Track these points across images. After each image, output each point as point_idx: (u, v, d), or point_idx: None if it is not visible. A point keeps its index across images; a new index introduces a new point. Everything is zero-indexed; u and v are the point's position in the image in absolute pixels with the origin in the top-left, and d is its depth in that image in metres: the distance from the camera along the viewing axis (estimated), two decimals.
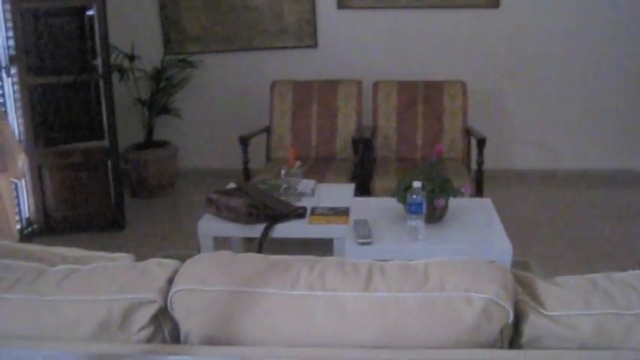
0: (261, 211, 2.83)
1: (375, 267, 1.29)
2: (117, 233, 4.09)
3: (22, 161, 3.66)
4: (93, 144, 4.13)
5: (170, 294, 1.26)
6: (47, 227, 4.05)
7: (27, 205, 4.06)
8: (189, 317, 1.25)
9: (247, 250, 2.99)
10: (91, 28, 4.03)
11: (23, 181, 3.95)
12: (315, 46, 4.88)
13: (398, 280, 1.25)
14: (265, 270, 1.28)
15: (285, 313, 1.22)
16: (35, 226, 4.04)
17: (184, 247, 3.69)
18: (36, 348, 1.15)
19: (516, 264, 2.46)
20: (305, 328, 1.21)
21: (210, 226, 2.89)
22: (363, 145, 3.97)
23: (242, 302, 1.23)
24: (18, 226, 3.89)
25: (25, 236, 3.94)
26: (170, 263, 1.34)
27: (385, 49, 4.81)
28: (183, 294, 1.25)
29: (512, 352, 1.20)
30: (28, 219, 4.07)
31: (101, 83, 4.03)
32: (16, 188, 3.95)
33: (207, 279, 1.26)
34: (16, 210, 3.91)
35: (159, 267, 1.33)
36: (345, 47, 4.85)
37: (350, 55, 4.83)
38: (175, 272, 1.31)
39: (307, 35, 4.87)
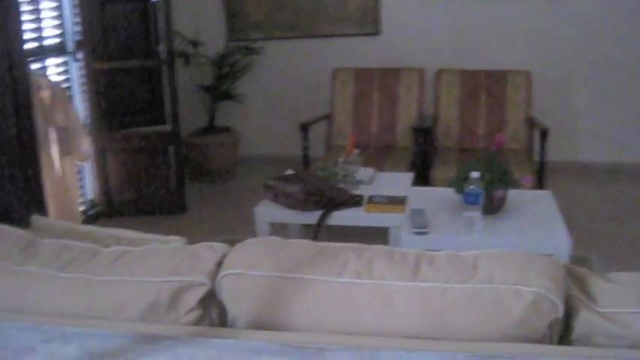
0: (318, 197, 2.83)
1: (424, 256, 1.28)
2: (177, 217, 4.16)
3: (86, 144, 3.76)
4: (155, 129, 4.21)
5: (218, 277, 1.27)
6: (110, 209, 4.15)
7: (91, 188, 4.17)
8: (236, 301, 1.26)
9: (304, 237, 3.00)
10: (155, 14, 4.10)
11: (87, 163, 4.06)
12: (377, 33, 4.85)
13: (446, 270, 1.24)
14: (313, 256, 1.28)
15: (330, 301, 1.22)
16: (98, 207, 4.15)
17: (242, 233, 3.73)
18: (86, 326, 1.18)
19: (577, 259, 2.40)
20: (350, 316, 1.21)
21: (266, 212, 2.91)
22: (424, 134, 3.93)
23: (288, 288, 1.23)
24: (81, 208, 4.00)
25: (89, 218, 4.04)
26: (220, 247, 1.36)
27: (449, 37, 4.74)
28: (231, 278, 1.27)
29: (562, 348, 1.18)
30: (91, 201, 4.18)
31: (164, 69, 4.09)
32: (81, 171, 4.06)
33: (255, 264, 1.27)
34: (80, 192, 4.02)
35: (209, 250, 1.34)
36: (408, 35, 4.80)
37: (413, 43, 4.78)
38: (224, 256, 1.32)
39: (370, 23, 4.84)
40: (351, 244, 1.33)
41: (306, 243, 1.34)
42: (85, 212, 4.06)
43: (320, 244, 1.34)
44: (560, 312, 1.20)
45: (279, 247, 1.32)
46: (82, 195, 4.09)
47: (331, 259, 1.27)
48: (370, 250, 1.30)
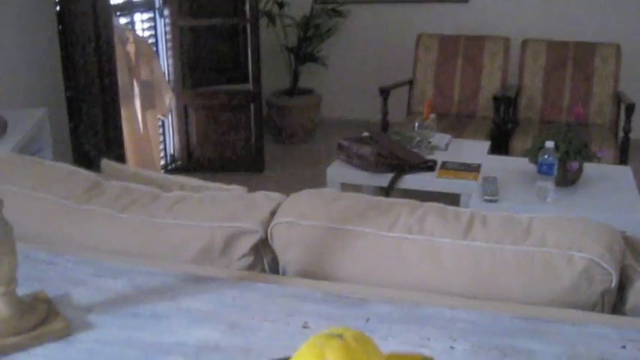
0: (390, 160, 2.83)
1: (478, 216, 1.27)
2: (254, 175, 4.23)
3: (169, 99, 3.85)
4: (237, 87, 4.27)
5: (271, 225, 1.30)
6: (190, 165, 4.26)
7: (172, 143, 4.28)
8: (287, 250, 1.29)
9: None
10: None
11: (169, 119, 4.16)
12: (465, 0, 4.75)
13: (498, 231, 1.23)
14: (365, 209, 1.29)
15: (379, 254, 1.23)
16: (179, 162, 4.26)
17: None
18: (137, 264, 1.22)
19: None
20: (397, 270, 1.22)
21: (338, 172, 2.93)
22: (505, 103, 3.86)
23: (338, 239, 1.25)
24: (162, 162, 4.12)
25: (168, 172, 4.16)
26: (276, 196, 1.38)
27: (537, 6, 4.60)
28: (283, 226, 1.29)
29: (612, 317, 1.15)
30: (172, 155, 4.30)
31: (248, 28, 4.14)
32: (163, 125, 4.17)
33: (307, 213, 1.29)
34: (162, 146, 4.14)
35: (265, 199, 1.37)
36: (496, 3, 4.69)
37: (500, 11, 4.67)
38: (279, 205, 1.34)
39: None
40: (404, 200, 1.33)
41: (360, 196, 1.35)
42: (164, 167, 4.18)
43: (374, 198, 1.34)
44: (614, 281, 1.17)
45: (333, 199, 1.33)
46: (163, 149, 4.21)
47: (383, 213, 1.27)
48: (423, 206, 1.30)
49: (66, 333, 1.02)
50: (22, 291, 1.04)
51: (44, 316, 1.04)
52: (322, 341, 0.59)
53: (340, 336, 0.59)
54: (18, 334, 1.00)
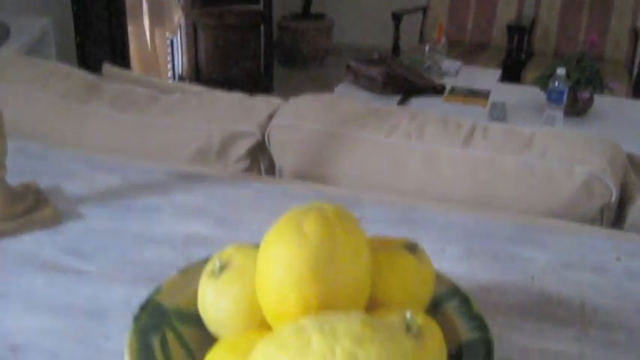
0: (398, 82, 2.79)
1: (479, 127, 1.24)
2: None
3: (177, 17, 3.79)
4: (248, 7, 4.20)
5: (268, 128, 1.28)
6: (197, 84, 4.21)
7: (180, 62, 4.23)
8: (283, 153, 1.27)
9: None
10: None
11: (178, 38, 4.10)
12: None
13: (499, 142, 1.20)
14: (365, 115, 1.26)
15: (376, 160, 1.21)
16: (187, 81, 4.22)
17: None
18: (131, 160, 1.21)
19: None
20: (395, 177, 1.20)
21: (345, 93, 2.89)
22: (519, 33, 3.77)
23: (336, 144, 1.22)
24: (170, 81, 4.08)
25: None
26: (275, 101, 1.35)
27: None
28: (280, 130, 1.27)
29: (611, 231, 1.13)
30: (180, 75, 4.25)
31: None
32: (172, 45, 4.11)
33: (305, 117, 1.26)
34: (169, 66, 4.09)
35: (263, 102, 1.34)
36: None
37: None
38: (278, 109, 1.32)
39: None
40: (405, 107, 1.30)
41: (359, 103, 1.32)
42: None
43: (374, 105, 1.32)
44: (614, 196, 1.15)
45: (332, 104, 1.31)
46: (171, 69, 4.16)
47: (382, 120, 1.25)
48: (424, 115, 1.27)
49: (55, 222, 1.01)
50: (12, 182, 1.03)
51: (34, 204, 1.03)
52: (300, 214, 0.57)
53: (320, 209, 0.58)
54: (6, 221, 0.99)
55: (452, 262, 0.94)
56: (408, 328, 0.57)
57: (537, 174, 1.15)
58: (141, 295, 0.82)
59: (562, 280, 0.90)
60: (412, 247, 0.66)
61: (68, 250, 0.93)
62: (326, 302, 0.55)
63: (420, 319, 0.58)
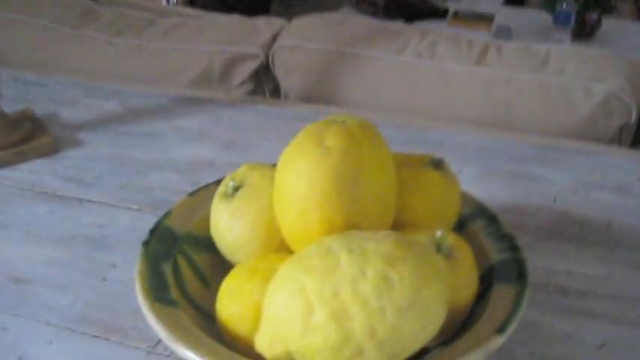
0: (401, 6, 2.71)
1: (492, 45, 1.19)
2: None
3: None
4: None
5: (272, 49, 1.22)
6: (191, 2, 4.08)
7: None
8: (289, 75, 1.21)
9: None
10: None
11: None
12: None
13: (514, 59, 1.15)
14: (373, 33, 1.20)
15: (386, 80, 1.16)
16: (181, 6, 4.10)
17: None
18: (130, 85, 1.15)
19: None
20: (406, 97, 1.15)
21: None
22: None
23: (344, 63, 1.17)
24: (165, 4, 3.97)
25: None
26: (278, 22, 1.29)
27: None
28: (285, 50, 1.21)
29: (628, 151, 1.09)
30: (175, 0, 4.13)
31: None
32: None
33: (311, 37, 1.21)
34: None
35: (266, 24, 1.28)
36: None
37: None
38: (282, 29, 1.26)
39: None
40: (414, 25, 1.24)
41: (367, 20, 1.26)
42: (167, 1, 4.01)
43: (382, 23, 1.26)
44: (633, 116, 1.10)
45: (338, 22, 1.24)
46: None
47: (392, 38, 1.19)
48: (435, 33, 1.21)
49: (53, 149, 0.96)
50: (8, 110, 0.98)
51: (31, 132, 0.98)
52: (321, 127, 0.52)
53: (342, 122, 0.53)
54: (2, 150, 0.94)
55: (470, 183, 0.89)
56: (438, 248, 0.53)
57: (554, 92, 1.10)
58: (147, 222, 0.78)
59: (585, 201, 0.87)
60: (438, 164, 0.62)
61: (68, 178, 0.89)
62: (350, 221, 0.51)
63: (451, 239, 0.54)
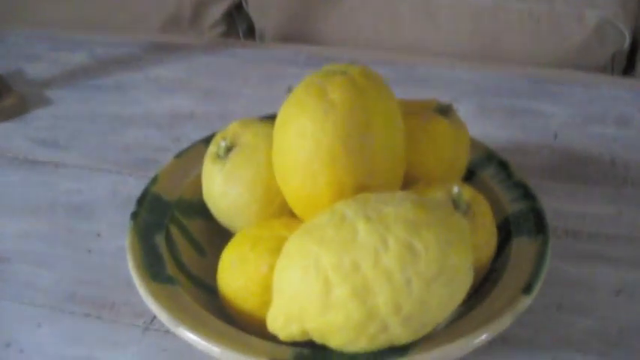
0: None
1: None
2: None
3: None
4: None
5: None
6: None
7: None
8: (264, 14, 1.15)
9: None
10: None
11: None
12: None
13: None
14: None
15: (369, 13, 1.09)
16: None
17: None
18: (97, 34, 1.08)
19: None
20: (390, 31, 1.09)
21: None
22: None
23: None
24: None
25: None
26: None
27: None
28: None
29: (625, 80, 1.06)
30: None
31: None
32: None
33: None
34: None
35: None
36: None
37: None
38: None
39: None
40: None
41: None
42: None
43: None
44: (627, 42, 1.06)
45: None
46: None
47: None
48: None
49: (21, 110, 0.90)
50: None
51: None
52: (322, 79, 0.47)
53: (344, 72, 0.48)
54: None
55: (465, 122, 0.86)
56: (456, 205, 0.49)
57: (544, 20, 1.05)
58: (128, 184, 0.73)
59: (587, 136, 0.83)
60: (445, 110, 0.57)
61: (40, 141, 0.83)
62: (361, 182, 0.47)
63: (467, 193, 0.50)
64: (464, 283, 0.42)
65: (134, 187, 0.74)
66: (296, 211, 0.50)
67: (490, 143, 0.69)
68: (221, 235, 0.56)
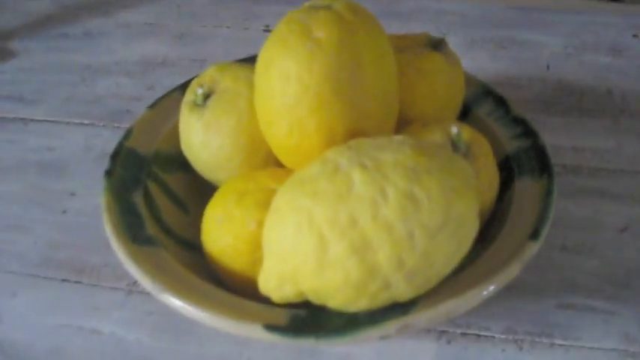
0: None
1: None
2: None
3: None
4: None
5: None
6: None
7: None
8: None
9: None
10: None
11: None
12: None
13: None
14: None
15: None
16: None
17: None
18: None
19: None
20: None
21: None
22: None
23: None
24: None
25: None
26: None
27: None
28: None
29: (618, 5, 1.01)
30: None
31: None
32: None
33: None
34: None
35: None
36: None
37: None
38: None
39: None
40: None
41: None
42: None
43: None
44: None
45: None
46: None
47: None
48: None
49: None
50: None
51: None
52: (305, 15, 0.43)
53: (328, 7, 0.44)
54: None
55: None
56: (455, 147, 0.46)
57: None
58: (102, 137, 0.69)
59: (580, 66, 0.79)
60: (438, 44, 0.53)
61: (6, 96, 0.78)
62: (353, 127, 0.43)
63: (467, 133, 0.47)
64: (470, 232, 0.39)
65: (108, 140, 0.70)
66: (283, 160, 0.47)
67: (481, 76, 0.66)
68: (204, 189, 0.52)
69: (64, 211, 0.62)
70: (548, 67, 0.79)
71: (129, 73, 0.80)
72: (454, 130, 0.45)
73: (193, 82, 0.52)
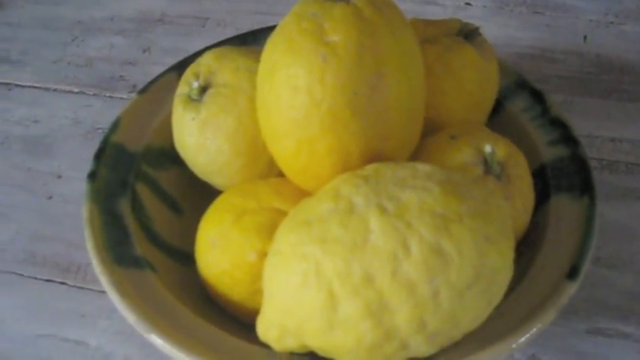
0: None
1: None
2: None
3: None
4: None
5: None
6: None
7: None
8: None
9: None
10: None
11: None
12: None
13: None
14: None
15: None
16: None
17: None
18: None
19: None
20: None
21: None
22: None
23: None
24: None
25: None
26: None
27: None
28: None
29: None
30: None
31: None
32: None
33: None
34: None
35: None
36: None
37: None
38: None
39: None
40: None
41: None
42: None
43: None
44: None
45: None
46: None
47: None
48: None
49: None
50: None
51: None
52: (317, 11, 0.36)
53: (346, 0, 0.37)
54: None
55: (480, 22, 0.74)
56: (487, 169, 0.39)
57: None
58: (92, 109, 0.63)
59: (620, 39, 0.72)
60: (470, 35, 0.46)
61: None
62: (371, 147, 0.37)
63: (502, 151, 0.40)
64: (502, 285, 0.34)
65: (99, 111, 0.64)
66: (291, 177, 0.41)
67: (511, 48, 0.59)
68: (200, 187, 0.47)
69: (50, 197, 0.56)
70: (585, 38, 0.72)
71: (123, 32, 0.73)
72: (488, 149, 0.39)
73: (188, 71, 0.46)
